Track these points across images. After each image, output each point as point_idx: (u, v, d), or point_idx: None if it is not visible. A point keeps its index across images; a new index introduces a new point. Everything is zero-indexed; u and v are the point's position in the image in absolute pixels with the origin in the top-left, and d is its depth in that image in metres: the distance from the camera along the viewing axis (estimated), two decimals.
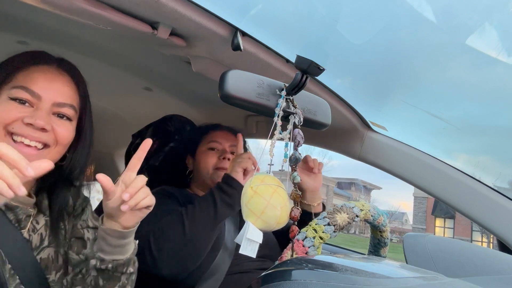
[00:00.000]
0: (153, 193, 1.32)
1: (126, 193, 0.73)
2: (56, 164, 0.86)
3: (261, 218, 0.76)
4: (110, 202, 0.77)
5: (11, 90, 0.81)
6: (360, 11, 1.11)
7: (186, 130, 1.69)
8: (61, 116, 0.85)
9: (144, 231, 1.10)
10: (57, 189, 0.90)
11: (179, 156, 1.56)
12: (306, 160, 1.35)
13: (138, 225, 0.83)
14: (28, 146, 0.79)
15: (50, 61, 0.88)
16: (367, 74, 1.37)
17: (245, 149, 1.56)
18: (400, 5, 1.10)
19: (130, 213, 0.79)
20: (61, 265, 0.88)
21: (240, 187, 1.16)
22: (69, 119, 0.87)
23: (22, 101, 0.81)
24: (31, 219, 0.85)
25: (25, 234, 0.82)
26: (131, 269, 0.85)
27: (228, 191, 1.16)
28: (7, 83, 0.82)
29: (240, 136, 1.36)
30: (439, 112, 1.37)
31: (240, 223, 1.35)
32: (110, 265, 0.81)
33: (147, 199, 0.78)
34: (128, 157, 1.73)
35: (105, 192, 0.76)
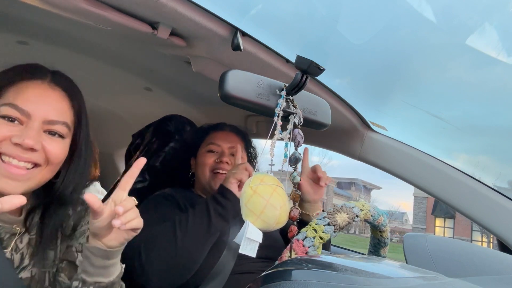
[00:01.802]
0: (153, 197, 1.32)
1: (120, 207, 0.71)
2: (50, 181, 0.84)
3: (261, 217, 0.76)
4: (97, 221, 0.74)
5: (0, 108, 0.77)
6: (360, 11, 1.11)
7: (186, 130, 1.69)
8: (52, 133, 0.81)
9: (136, 238, 1.09)
10: (51, 208, 0.86)
11: (180, 156, 1.55)
12: (315, 169, 1.30)
13: (123, 246, 0.80)
14: (17, 167, 0.76)
15: (43, 75, 0.84)
16: (367, 74, 1.37)
17: (252, 149, 1.56)
18: (400, 5, 1.10)
19: (115, 232, 0.76)
20: (47, 287, 0.84)
21: (235, 198, 1.14)
22: (61, 136, 0.82)
23: (11, 119, 0.76)
24: (16, 237, 0.81)
25: (8, 254, 0.79)
26: None
27: (222, 202, 1.13)
28: None
29: (239, 147, 1.32)
30: (439, 112, 1.37)
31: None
32: None
33: (136, 220, 0.76)
34: (128, 157, 1.73)
35: (93, 212, 0.73)
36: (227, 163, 1.37)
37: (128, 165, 1.65)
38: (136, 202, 0.78)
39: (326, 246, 1.52)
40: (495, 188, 1.24)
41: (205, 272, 1.16)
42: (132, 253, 1.05)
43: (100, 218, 0.74)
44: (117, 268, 0.82)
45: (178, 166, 1.53)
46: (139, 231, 0.79)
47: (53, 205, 0.86)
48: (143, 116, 1.85)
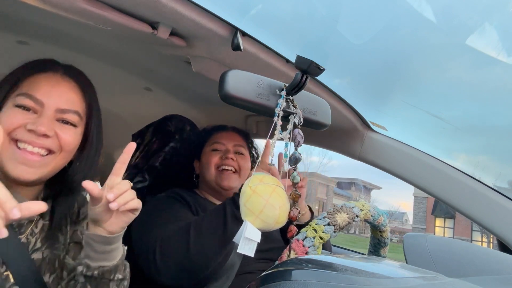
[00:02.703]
0: (166, 196, 1.32)
1: (110, 193, 0.73)
2: (61, 171, 0.88)
3: (260, 217, 0.76)
4: (97, 207, 0.77)
5: (16, 98, 0.82)
6: (360, 11, 1.11)
7: (186, 130, 1.69)
8: (65, 122, 0.85)
9: (152, 235, 1.08)
10: (61, 195, 0.91)
11: (183, 157, 1.56)
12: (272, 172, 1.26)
13: (123, 230, 0.82)
14: (32, 153, 0.80)
15: (56, 68, 0.89)
16: (367, 74, 1.37)
17: (254, 149, 1.56)
18: (400, 5, 1.10)
19: (115, 216, 0.78)
20: (56, 268, 0.88)
21: None
22: (73, 125, 0.87)
23: (26, 108, 0.82)
24: (32, 224, 0.86)
25: (23, 239, 0.83)
26: (119, 276, 0.84)
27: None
28: (13, 91, 0.84)
29: (268, 143, 1.29)
30: (439, 112, 1.37)
31: None
32: (96, 272, 0.80)
33: (134, 201, 0.77)
34: None
35: (92, 198, 0.76)
36: (232, 159, 1.38)
37: (128, 165, 1.65)
38: (131, 184, 0.79)
39: (327, 246, 1.52)
40: (495, 188, 1.24)
41: (213, 271, 1.16)
42: (147, 250, 1.06)
43: (100, 204, 0.76)
44: (120, 251, 0.84)
45: (180, 167, 1.54)
46: (138, 212, 0.80)
47: (63, 193, 0.91)
48: (143, 116, 1.85)
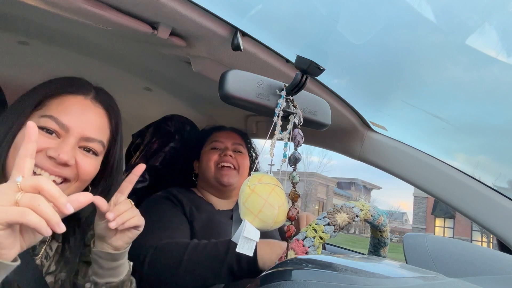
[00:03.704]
0: (159, 197, 1.32)
1: (110, 213, 0.72)
2: None
3: (259, 217, 0.76)
4: (103, 222, 0.76)
5: (40, 119, 0.77)
6: (360, 11, 1.11)
7: (186, 130, 1.70)
8: (87, 150, 0.81)
9: (144, 243, 1.05)
10: (76, 218, 0.86)
11: (183, 157, 1.56)
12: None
13: (129, 246, 0.81)
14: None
15: (87, 91, 0.84)
16: (367, 74, 1.37)
17: (252, 148, 1.57)
18: (400, 5, 1.11)
19: (120, 233, 0.78)
20: None
21: (256, 271, 1.03)
22: (95, 154, 0.82)
23: (49, 131, 0.77)
24: (45, 245, 0.82)
25: (38, 261, 0.80)
26: None
27: (243, 265, 1.02)
28: (38, 110, 0.79)
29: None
30: (439, 112, 1.37)
31: None
32: None
33: (135, 219, 0.76)
34: (128, 157, 1.73)
35: (100, 214, 0.75)
36: (231, 156, 1.39)
37: (128, 165, 1.65)
38: (132, 203, 0.78)
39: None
40: (495, 188, 1.24)
41: None
42: (137, 257, 1.04)
43: (105, 220, 0.75)
44: (126, 267, 0.83)
45: (180, 167, 1.54)
46: (141, 228, 0.79)
47: (76, 216, 0.86)
48: (143, 116, 1.85)
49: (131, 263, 0.86)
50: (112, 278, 0.80)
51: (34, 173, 0.74)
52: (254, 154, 1.56)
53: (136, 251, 1.07)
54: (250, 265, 1.01)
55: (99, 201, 0.72)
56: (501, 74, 1.27)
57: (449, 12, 1.13)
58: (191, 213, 1.28)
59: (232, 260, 1.01)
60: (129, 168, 1.59)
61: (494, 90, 1.32)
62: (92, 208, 0.86)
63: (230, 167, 1.39)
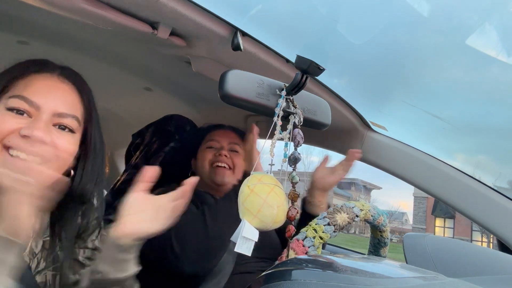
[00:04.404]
0: (167, 190, 1.32)
1: None
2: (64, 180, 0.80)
3: (258, 217, 0.75)
4: None
5: (8, 100, 0.74)
6: (360, 11, 1.11)
7: (186, 130, 1.69)
8: (62, 127, 0.78)
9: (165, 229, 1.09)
10: (65, 209, 0.82)
11: (181, 156, 1.56)
12: (353, 157, 1.33)
13: (136, 243, 0.76)
14: (25, 161, 0.72)
15: (52, 69, 0.82)
16: (367, 74, 1.37)
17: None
18: (400, 5, 1.11)
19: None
20: None
21: None
22: (71, 131, 0.79)
23: (19, 112, 0.74)
24: (30, 241, 0.78)
25: (26, 258, 0.76)
26: None
27: None
28: (5, 93, 0.76)
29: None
30: (439, 112, 1.37)
31: None
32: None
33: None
34: (128, 157, 1.73)
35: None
36: (225, 156, 1.39)
37: (128, 165, 1.65)
38: None
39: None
40: (495, 188, 1.24)
41: (206, 272, 1.16)
42: (162, 241, 1.04)
43: None
44: (131, 266, 0.78)
45: (178, 166, 1.54)
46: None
47: (67, 206, 0.82)
48: (143, 116, 1.85)
49: (137, 269, 0.81)
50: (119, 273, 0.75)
51: (11, 156, 0.72)
52: None
53: (157, 238, 1.08)
54: None
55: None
56: (501, 74, 1.27)
57: (449, 12, 1.13)
58: (194, 203, 1.29)
59: None
60: (129, 168, 1.59)
61: (494, 90, 1.32)
62: (83, 199, 0.85)
63: (224, 167, 1.39)
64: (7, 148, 0.72)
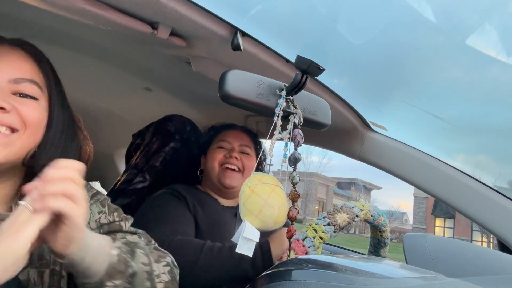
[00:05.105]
0: (162, 193, 1.32)
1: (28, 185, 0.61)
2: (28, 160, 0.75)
3: (259, 217, 0.76)
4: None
5: None
6: (360, 11, 1.11)
7: (186, 130, 1.70)
8: (23, 95, 0.73)
9: (154, 237, 1.03)
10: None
11: (186, 153, 1.56)
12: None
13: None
14: None
15: (1, 40, 0.78)
16: (367, 74, 1.37)
17: (262, 150, 1.56)
18: (400, 5, 1.11)
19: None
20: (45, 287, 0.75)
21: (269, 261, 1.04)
22: (33, 98, 0.74)
23: None
24: None
25: None
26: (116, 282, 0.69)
27: (259, 271, 1.00)
28: None
29: None
30: (439, 112, 1.37)
31: None
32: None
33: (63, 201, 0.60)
34: (128, 157, 1.73)
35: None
36: (236, 158, 1.38)
37: (128, 165, 1.65)
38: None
39: None
40: (495, 188, 1.24)
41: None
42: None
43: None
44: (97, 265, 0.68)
45: (184, 164, 1.54)
46: (73, 219, 0.60)
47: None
48: (143, 116, 1.85)
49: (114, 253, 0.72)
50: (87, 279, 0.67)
51: None
52: (262, 156, 1.55)
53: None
54: (266, 266, 1.00)
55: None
56: (501, 74, 1.27)
57: (449, 12, 1.13)
58: (195, 208, 1.28)
59: (246, 266, 1.02)
60: (129, 168, 1.60)
61: (494, 90, 1.32)
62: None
63: (234, 169, 1.38)
64: None
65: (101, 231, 0.85)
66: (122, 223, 0.88)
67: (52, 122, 0.77)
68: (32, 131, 0.73)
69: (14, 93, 0.72)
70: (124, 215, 0.90)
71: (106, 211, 0.87)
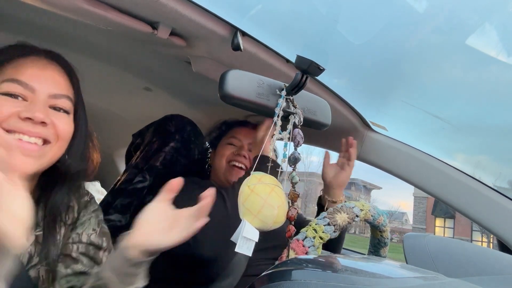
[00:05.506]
0: (186, 182, 1.32)
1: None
2: (54, 166, 0.81)
3: (258, 217, 0.75)
4: None
5: (1, 85, 0.73)
6: (360, 11, 1.11)
7: (187, 130, 1.69)
8: (57, 109, 0.78)
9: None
10: (55, 195, 0.81)
11: (193, 149, 1.56)
12: (350, 143, 1.37)
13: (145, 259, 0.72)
14: (29, 143, 0.73)
15: (37, 52, 0.82)
16: (367, 74, 1.37)
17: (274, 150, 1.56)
18: (400, 5, 1.11)
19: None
20: (51, 284, 0.79)
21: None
22: (66, 112, 0.80)
23: (14, 96, 0.74)
24: None
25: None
26: None
27: None
28: None
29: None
30: (439, 112, 1.37)
31: None
32: None
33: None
34: (128, 157, 1.73)
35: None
36: (244, 156, 1.38)
37: (128, 165, 1.65)
38: None
39: (337, 247, 1.57)
40: (495, 188, 1.24)
41: (216, 272, 1.15)
42: None
43: None
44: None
45: (197, 156, 1.54)
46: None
47: (57, 192, 0.82)
48: (143, 116, 1.85)
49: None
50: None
51: (14, 139, 0.72)
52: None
53: None
54: None
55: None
56: (501, 74, 1.27)
57: (449, 12, 1.13)
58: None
59: None
60: (129, 168, 1.59)
61: (494, 90, 1.32)
62: (71, 183, 0.84)
63: (241, 167, 1.37)
64: (8, 131, 0.72)
65: (89, 249, 0.86)
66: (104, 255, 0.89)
67: (77, 135, 0.84)
68: (62, 143, 0.79)
69: (51, 106, 0.78)
70: (111, 244, 0.92)
71: (97, 231, 0.90)
